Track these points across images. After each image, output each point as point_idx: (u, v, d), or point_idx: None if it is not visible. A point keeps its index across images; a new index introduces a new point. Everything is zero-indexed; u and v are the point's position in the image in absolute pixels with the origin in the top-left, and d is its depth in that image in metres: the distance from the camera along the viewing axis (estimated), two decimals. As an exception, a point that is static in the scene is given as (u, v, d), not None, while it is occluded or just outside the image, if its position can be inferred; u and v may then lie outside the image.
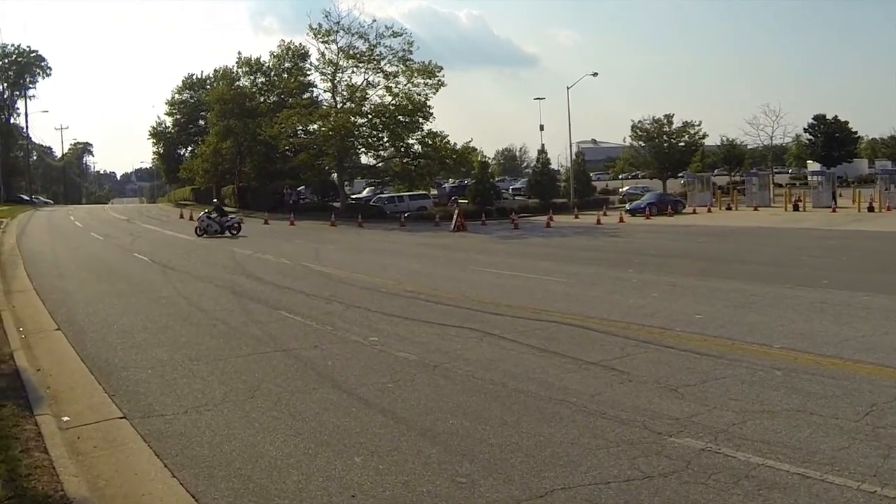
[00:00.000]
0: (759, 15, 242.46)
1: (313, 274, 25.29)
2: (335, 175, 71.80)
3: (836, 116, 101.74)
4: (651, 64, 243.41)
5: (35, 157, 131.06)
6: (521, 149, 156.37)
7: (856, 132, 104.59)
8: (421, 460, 7.77)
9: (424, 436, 8.55)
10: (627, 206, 62.33)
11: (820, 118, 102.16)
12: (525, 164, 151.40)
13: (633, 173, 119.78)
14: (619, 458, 7.64)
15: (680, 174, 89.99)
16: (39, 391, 10.76)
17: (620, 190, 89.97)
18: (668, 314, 15.77)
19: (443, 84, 66.54)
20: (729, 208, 62.29)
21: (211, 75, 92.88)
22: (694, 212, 59.72)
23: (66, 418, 9.62)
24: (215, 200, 52.21)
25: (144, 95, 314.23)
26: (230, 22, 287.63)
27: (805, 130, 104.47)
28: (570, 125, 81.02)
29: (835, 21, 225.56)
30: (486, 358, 12.26)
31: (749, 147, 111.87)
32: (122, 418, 9.57)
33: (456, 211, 50.56)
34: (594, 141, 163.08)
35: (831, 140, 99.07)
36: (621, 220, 52.88)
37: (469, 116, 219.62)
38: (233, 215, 47.85)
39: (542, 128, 75.63)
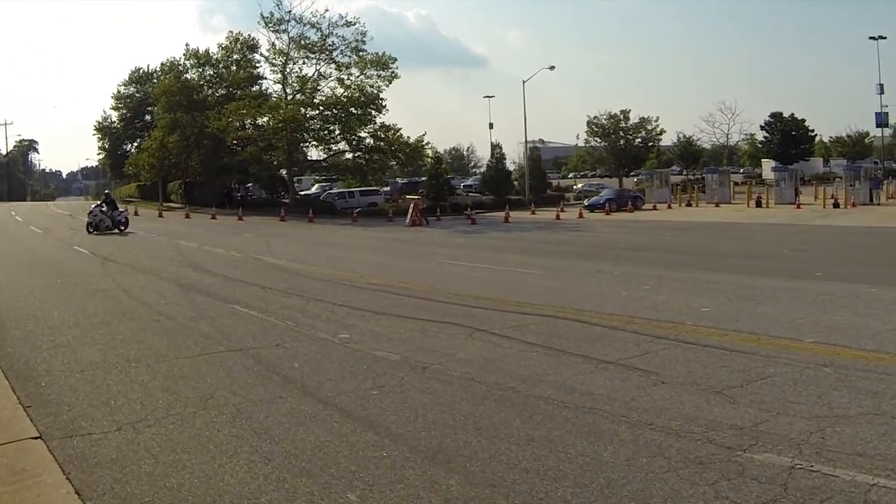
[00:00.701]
0: (713, 12, 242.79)
1: (266, 267, 23.38)
2: (284, 170, 69.56)
3: (792, 114, 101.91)
4: (601, 63, 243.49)
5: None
6: (468, 148, 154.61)
7: (812, 130, 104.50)
8: (439, 496, 5.86)
9: (434, 459, 6.65)
10: (586, 202, 61.23)
11: (776, 115, 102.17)
12: (472, 163, 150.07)
13: (585, 172, 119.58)
14: (697, 483, 5.87)
15: (634, 172, 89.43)
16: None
17: (574, 187, 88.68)
18: (669, 307, 14.23)
19: (396, 76, 64.95)
20: (689, 204, 61.25)
21: (158, 69, 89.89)
22: (654, 208, 58.64)
23: (-32, 436, 7.62)
24: (107, 192, 48.44)
25: (91, 92, 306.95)
26: (177, 21, 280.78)
27: (761, 128, 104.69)
28: (525, 120, 79.01)
29: (791, 19, 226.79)
30: (483, 357, 10.52)
31: (704, 146, 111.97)
32: (36, 438, 7.53)
33: (412, 205, 49.11)
34: (542, 141, 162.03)
35: (788, 138, 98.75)
36: (581, 215, 52.00)
37: (417, 116, 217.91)
38: (122, 209, 43.39)
39: (491, 126, 75.04)
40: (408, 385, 9.22)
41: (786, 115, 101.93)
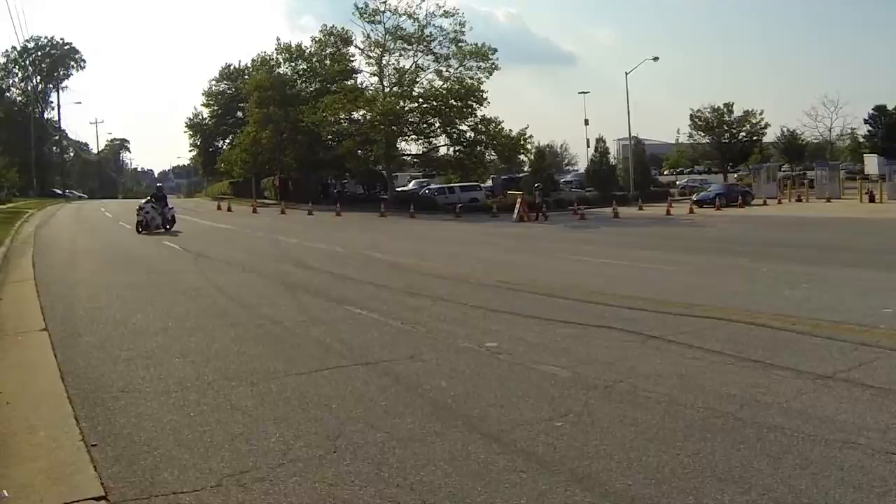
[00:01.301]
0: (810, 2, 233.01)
1: (376, 263, 20.98)
2: (381, 165, 67.47)
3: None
4: (693, 60, 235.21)
5: (72, 154, 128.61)
6: (562, 145, 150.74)
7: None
8: None
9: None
10: (695, 197, 57.89)
11: (881, 109, 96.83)
12: (566, 160, 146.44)
13: (682, 169, 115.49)
14: None
15: (738, 168, 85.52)
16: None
17: (677, 183, 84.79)
18: (847, 308, 12.05)
19: (496, 67, 61.81)
20: (799, 199, 58.24)
21: (249, 65, 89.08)
22: (764, 203, 55.44)
23: (4, 493, 5.28)
24: (159, 185, 44.45)
25: (181, 91, 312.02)
26: (265, 22, 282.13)
27: (865, 122, 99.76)
28: (628, 112, 74.04)
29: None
30: (671, 372, 8.18)
31: (806, 141, 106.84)
32: (98, 500, 5.10)
33: (519, 200, 46.38)
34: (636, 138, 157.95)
35: (893, 132, 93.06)
36: (691, 210, 49.21)
37: (509, 113, 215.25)
38: (171, 206, 36.04)
39: (587, 122, 71.44)
40: (597, 412, 6.83)
41: (889, 108, 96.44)
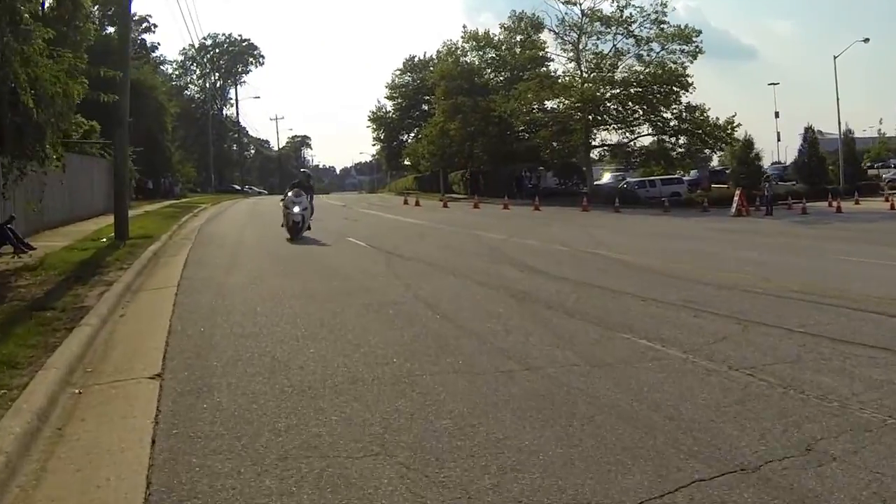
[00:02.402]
0: None
1: (611, 264, 16.56)
2: (578, 156, 62.86)
3: None
4: (880, 51, 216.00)
5: (253, 151, 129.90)
6: (746, 139, 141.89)
7: None
8: None
9: None
10: None
11: None
12: (754, 153, 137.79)
13: (883, 160, 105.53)
14: None
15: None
16: None
17: (883, 176, 76.31)
18: None
19: (701, 51, 56.22)
20: None
21: (434, 56, 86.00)
22: None
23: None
24: (304, 170, 30.41)
25: (361, 88, 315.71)
26: (443, 18, 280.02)
27: None
28: (837, 100, 65.55)
29: None
30: None
31: None
32: None
33: (738, 193, 41.69)
34: (820, 132, 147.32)
35: None
36: None
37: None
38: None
39: (777, 114, 65.12)
40: None
41: None
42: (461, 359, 7.57)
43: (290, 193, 23.50)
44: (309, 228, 23.80)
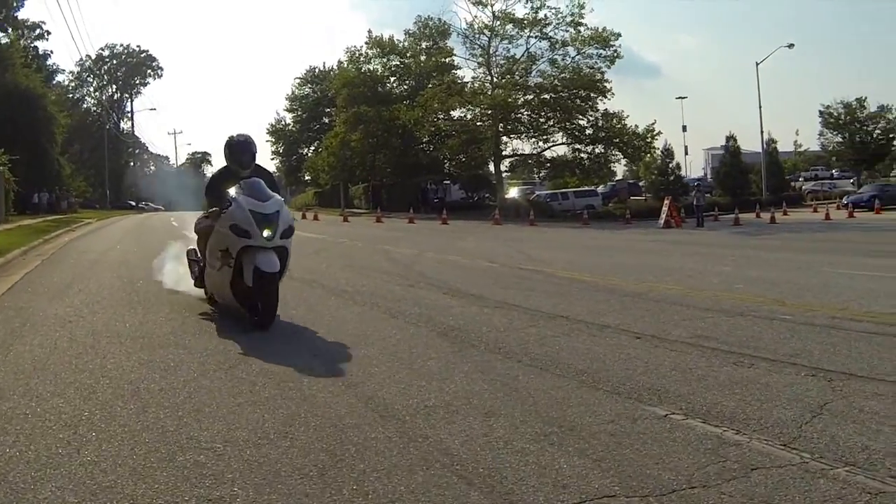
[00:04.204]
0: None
1: (567, 284, 12.79)
2: (482, 169, 60.14)
3: None
4: (788, 64, 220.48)
5: (153, 167, 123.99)
6: (666, 148, 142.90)
7: None
8: None
9: None
10: (844, 200, 52.08)
11: None
12: (674, 162, 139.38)
13: (806, 172, 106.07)
14: None
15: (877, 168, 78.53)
16: None
17: (802, 188, 75.93)
18: None
19: (619, 56, 53.66)
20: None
21: (335, 67, 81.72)
22: (927, 204, 48.39)
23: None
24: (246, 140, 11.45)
25: (262, 103, 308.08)
26: (347, 38, 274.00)
27: None
28: (760, 107, 63.81)
29: None
30: None
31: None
32: None
33: (667, 204, 39.78)
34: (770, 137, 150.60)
35: None
36: (851, 214, 42.93)
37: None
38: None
39: (684, 128, 64.49)
40: None
41: None
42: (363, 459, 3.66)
43: (232, 191, 9.03)
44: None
